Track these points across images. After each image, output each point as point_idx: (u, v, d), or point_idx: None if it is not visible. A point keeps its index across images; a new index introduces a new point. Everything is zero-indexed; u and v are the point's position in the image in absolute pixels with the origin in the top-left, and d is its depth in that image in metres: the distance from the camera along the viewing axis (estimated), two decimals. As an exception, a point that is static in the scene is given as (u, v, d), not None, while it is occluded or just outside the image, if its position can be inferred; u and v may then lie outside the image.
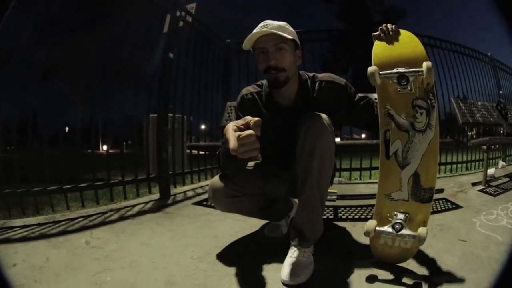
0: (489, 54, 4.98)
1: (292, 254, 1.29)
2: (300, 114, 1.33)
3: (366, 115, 1.49)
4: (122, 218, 2.17)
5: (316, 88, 1.44)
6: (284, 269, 1.23)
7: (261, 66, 1.35)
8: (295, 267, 1.23)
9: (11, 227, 1.95)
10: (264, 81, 1.49)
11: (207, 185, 3.39)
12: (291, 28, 1.37)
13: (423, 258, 1.37)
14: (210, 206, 2.45)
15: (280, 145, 1.47)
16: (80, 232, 1.88)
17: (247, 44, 1.31)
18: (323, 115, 1.27)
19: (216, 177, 1.43)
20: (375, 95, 1.40)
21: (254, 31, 1.28)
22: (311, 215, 1.29)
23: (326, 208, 2.26)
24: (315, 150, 1.22)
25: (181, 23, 3.18)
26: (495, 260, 1.33)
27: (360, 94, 1.51)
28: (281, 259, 1.30)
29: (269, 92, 1.46)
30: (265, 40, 1.28)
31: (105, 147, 3.23)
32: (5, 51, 2.59)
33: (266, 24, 1.29)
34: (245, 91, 1.53)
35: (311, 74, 1.49)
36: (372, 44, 1.45)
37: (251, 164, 1.61)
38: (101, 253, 1.54)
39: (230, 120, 1.58)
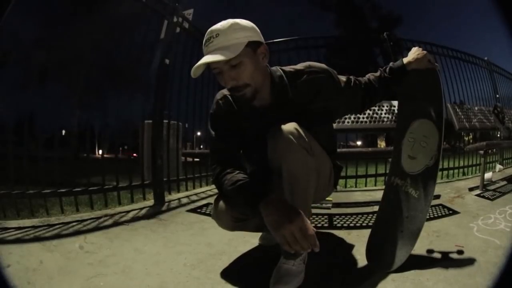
0: (485, 58, 5.01)
1: (283, 262, 1.24)
2: (280, 115, 1.23)
3: (355, 100, 1.41)
4: (116, 224, 2.16)
5: (295, 82, 1.28)
6: (273, 277, 1.21)
7: (224, 85, 1.21)
8: (283, 275, 1.20)
9: (6, 228, 1.95)
10: None
11: (202, 192, 3.40)
12: (244, 25, 1.14)
13: (420, 265, 1.34)
14: (204, 214, 2.44)
15: (262, 149, 1.27)
16: (74, 236, 1.88)
17: (195, 72, 1.15)
18: (291, 127, 1.13)
19: (220, 198, 1.35)
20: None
21: (198, 63, 1.11)
22: None
23: (321, 216, 2.25)
24: (283, 170, 1.14)
25: (178, 29, 3.19)
26: (493, 264, 1.31)
27: (342, 78, 1.37)
28: (273, 268, 1.27)
29: None
30: (215, 63, 1.12)
31: (100, 152, 3.22)
32: (2, 52, 2.59)
33: (210, 38, 1.10)
34: (219, 95, 1.38)
35: (287, 68, 1.32)
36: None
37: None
38: (95, 258, 1.53)
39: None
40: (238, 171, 1.25)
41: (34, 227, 2.01)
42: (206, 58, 1.08)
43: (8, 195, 2.25)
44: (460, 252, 1.41)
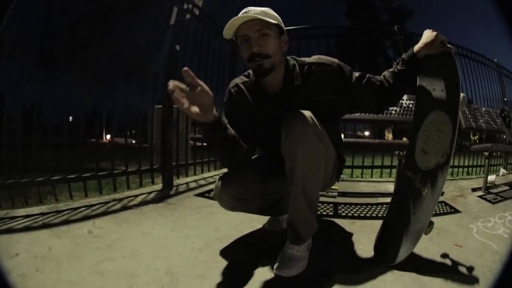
0: (495, 60, 4.95)
1: (287, 248, 1.30)
2: (289, 102, 1.30)
3: (368, 97, 1.39)
4: (124, 208, 2.18)
5: (305, 72, 1.34)
6: (277, 261, 1.26)
7: (244, 55, 1.27)
8: (287, 260, 1.25)
9: (14, 217, 1.93)
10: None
11: (210, 176, 3.45)
12: (274, 13, 1.28)
13: (418, 261, 1.38)
14: (212, 198, 2.44)
15: (271, 136, 1.34)
16: (83, 221, 1.88)
17: (227, 32, 1.24)
18: (306, 114, 1.19)
19: (222, 177, 1.41)
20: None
21: (235, 17, 1.21)
22: (300, 217, 1.27)
23: (326, 205, 2.29)
24: (297, 156, 1.17)
25: (188, 16, 3.18)
26: (488, 268, 1.33)
27: (356, 74, 1.39)
28: (278, 252, 1.32)
29: (255, 81, 1.38)
30: (247, 26, 1.21)
31: (109, 137, 3.26)
32: (11, 40, 2.58)
33: (248, 10, 1.22)
34: (231, 84, 1.47)
35: (300, 59, 1.40)
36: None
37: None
38: (103, 243, 1.55)
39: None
40: None
41: (42, 214, 2.00)
42: (248, 16, 1.19)
43: (17, 184, 2.22)
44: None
